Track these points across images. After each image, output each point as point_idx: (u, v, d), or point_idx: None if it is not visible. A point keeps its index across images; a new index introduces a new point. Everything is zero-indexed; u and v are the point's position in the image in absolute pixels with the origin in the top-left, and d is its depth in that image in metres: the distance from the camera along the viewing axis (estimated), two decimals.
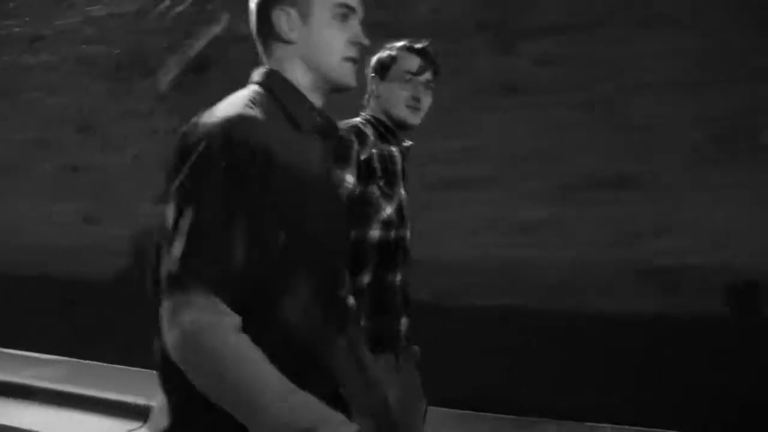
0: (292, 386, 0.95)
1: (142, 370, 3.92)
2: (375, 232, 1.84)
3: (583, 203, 3.54)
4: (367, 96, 2.04)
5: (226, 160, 1.03)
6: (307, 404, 0.95)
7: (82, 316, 4.71)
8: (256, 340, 0.98)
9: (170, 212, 1.04)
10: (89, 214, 5.00)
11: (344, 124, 1.85)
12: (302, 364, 1.08)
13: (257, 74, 1.24)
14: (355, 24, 1.25)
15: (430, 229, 3.10)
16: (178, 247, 0.99)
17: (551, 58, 3.64)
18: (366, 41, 1.25)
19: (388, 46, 2.04)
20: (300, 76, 1.23)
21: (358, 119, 1.95)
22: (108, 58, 4.98)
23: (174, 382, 1.04)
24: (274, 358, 0.97)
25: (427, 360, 2.05)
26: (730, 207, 3.23)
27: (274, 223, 1.07)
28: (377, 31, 1.60)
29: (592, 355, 3.36)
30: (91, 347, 4.60)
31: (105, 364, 4.44)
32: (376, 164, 1.85)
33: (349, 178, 1.80)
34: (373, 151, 1.85)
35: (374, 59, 2.04)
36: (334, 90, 1.26)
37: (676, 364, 3.22)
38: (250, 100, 1.14)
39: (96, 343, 4.60)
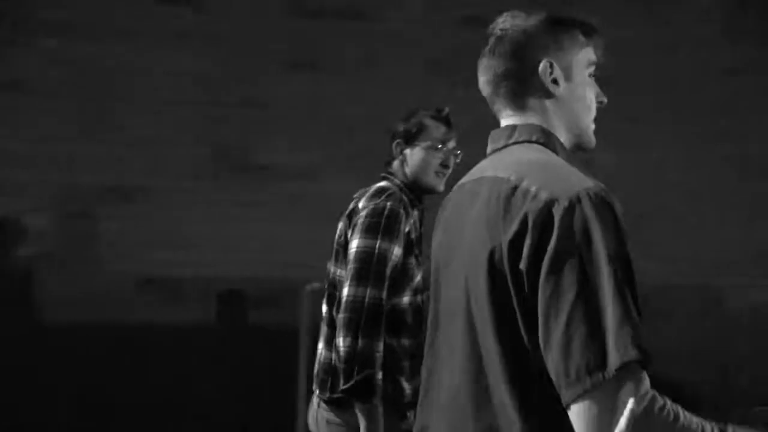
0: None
1: None
2: (406, 299, 1.94)
3: (93, 216, 3.50)
4: (397, 162, 2.07)
5: (623, 233, 0.97)
6: None
7: None
8: None
9: (565, 286, 0.93)
10: None
11: (377, 191, 1.94)
12: None
13: (529, 131, 1.13)
14: (594, 82, 1.19)
15: None
16: (622, 328, 0.90)
17: (60, 59, 3.50)
18: (605, 99, 1.19)
19: (407, 113, 2.10)
20: (561, 136, 1.15)
21: (388, 185, 1.99)
22: None
23: None
24: None
25: None
26: (225, 221, 3.44)
27: None
28: None
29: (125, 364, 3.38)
30: None
31: None
32: (413, 235, 1.94)
33: (397, 251, 1.88)
34: (411, 221, 1.94)
35: (399, 126, 2.08)
36: (575, 152, 1.19)
37: (169, 370, 3.37)
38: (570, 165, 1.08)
39: None
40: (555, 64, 1.12)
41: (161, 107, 3.47)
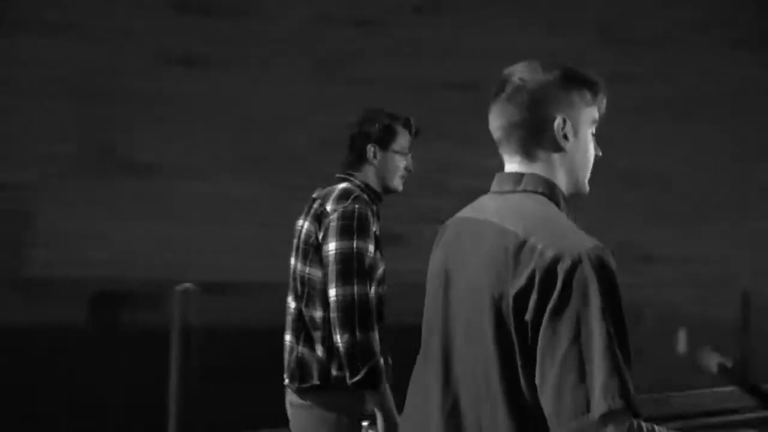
0: None
1: None
2: (372, 290, 2.05)
3: None
4: (367, 166, 2.18)
5: (617, 292, 1.08)
6: None
7: None
8: None
9: (563, 339, 1.05)
10: None
11: (342, 194, 2.04)
12: None
13: (535, 182, 1.23)
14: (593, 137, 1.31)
15: None
16: (609, 382, 1.02)
17: None
18: (600, 153, 1.30)
19: (378, 115, 2.19)
20: (562, 186, 1.25)
21: (352, 187, 2.09)
22: None
23: None
24: None
25: None
26: (100, 220, 3.40)
27: None
28: None
29: None
30: None
31: None
32: (377, 232, 2.08)
33: (371, 249, 2.03)
34: (374, 219, 2.10)
35: (373, 130, 2.16)
36: (572, 199, 1.30)
37: (42, 371, 3.26)
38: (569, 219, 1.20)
39: None
40: (567, 121, 1.20)
41: (40, 101, 3.38)
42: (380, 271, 2.11)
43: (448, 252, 1.28)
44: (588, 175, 1.29)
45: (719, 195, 5.96)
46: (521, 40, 5.34)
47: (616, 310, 1.06)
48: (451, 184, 5.03)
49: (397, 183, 2.20)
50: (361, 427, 2.06)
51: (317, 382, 2.02)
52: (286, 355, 2.13)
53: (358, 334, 1.94)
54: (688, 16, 6.45)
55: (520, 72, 1.23)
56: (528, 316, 1.06)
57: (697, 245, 5.68)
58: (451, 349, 1.20)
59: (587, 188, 1.29)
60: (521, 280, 1.07)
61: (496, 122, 1.25)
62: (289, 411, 2.14)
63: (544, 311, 1.05)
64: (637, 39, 6.23)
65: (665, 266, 5.66)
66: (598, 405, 1.01)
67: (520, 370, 1.08)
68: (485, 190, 1.55)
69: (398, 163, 2.17)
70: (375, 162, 2.17)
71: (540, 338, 1.05)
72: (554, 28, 5.63)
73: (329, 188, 2.12)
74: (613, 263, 1.09)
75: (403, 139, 2.20)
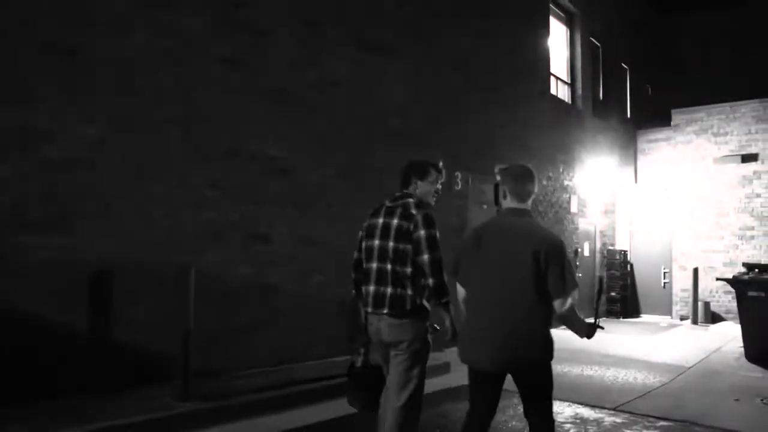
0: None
1: None
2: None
3: None
4: (412, 187, 3.77)
5: (567, 255, 3.30)
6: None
7: None
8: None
9: (557, 269, 3.24)
10: None
11: (417, 203, 3.67)
12: None
13: (527, 212, 3.43)
14: None
15: None
16: (570, 283, 3.24)
17: None
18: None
19: (419, 161, 3.87)
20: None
21: (416, 200, 3.70)
22: None
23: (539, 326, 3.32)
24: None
25: None
26: None
27: None
28: None
29: None
30: None
31: None
32: None
33: (438, 234, 3.62)
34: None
35: (417, 169, 3.82)
36: None
37: None
38: None
39: None
40: (506, 189, 3.49)
41: None
42: None
43: (492, 232, 3.37)
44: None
45: None
46: (124, 7, 5.88)
47: (570, 260, 3.29)
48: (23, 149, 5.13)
49: (430, 200, 3.85)
50: (429, 329, 3.63)
51: (409, 308, 3.56)
52: (373, 298, 3.66)
53: (444, 277, 3.53)
54: (300, 15, 7.29)
55: (503, 169, 3.53)
56: (544, 258, 3.22)
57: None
58: (498, 278, 3.24)
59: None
60: (543, 247, 3.24)
61: (509, 187, 3.44)
62: (385, 330, 3.61)
63: (549, 259, 3.23)
64: (253, 28, 6.87)
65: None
66: (567, 288, 3.23)
67: (540, 280, 3.18)
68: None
69: (430, 189, 3.86)
70: (415, 186, 3.81)
71: (549, 268, 3.21)
72: (169, 6, 6.10)
73: (402, 201, 3.73)
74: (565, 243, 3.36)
75: (433, 176, 3.86)
